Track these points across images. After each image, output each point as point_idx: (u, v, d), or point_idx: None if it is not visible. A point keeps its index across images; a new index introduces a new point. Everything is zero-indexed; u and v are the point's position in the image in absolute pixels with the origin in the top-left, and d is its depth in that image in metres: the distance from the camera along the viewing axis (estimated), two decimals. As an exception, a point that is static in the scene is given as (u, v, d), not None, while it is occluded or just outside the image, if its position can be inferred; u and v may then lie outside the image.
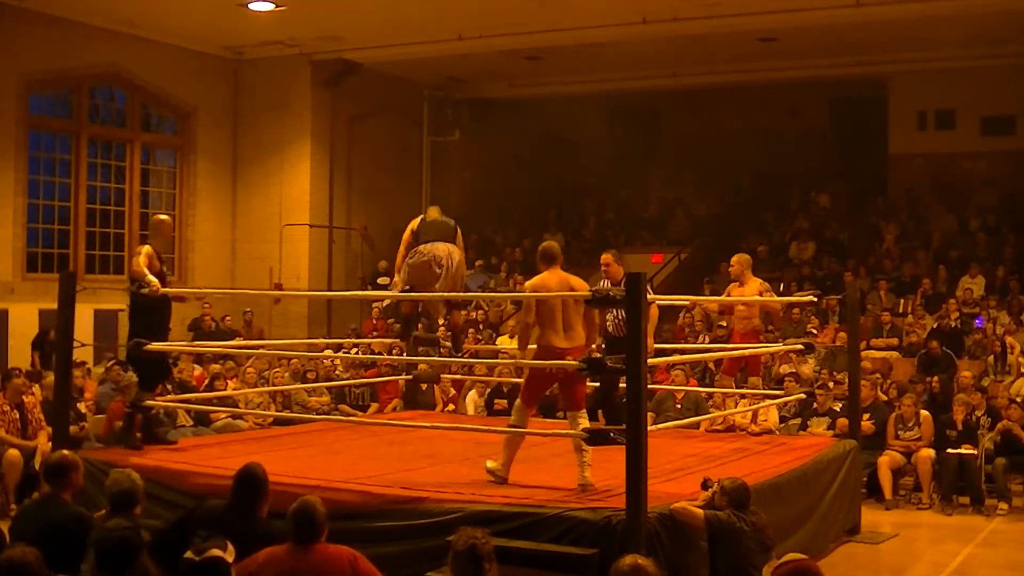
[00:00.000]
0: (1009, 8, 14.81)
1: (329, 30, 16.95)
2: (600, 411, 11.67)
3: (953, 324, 14.49)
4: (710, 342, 13.83)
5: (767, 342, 11.35)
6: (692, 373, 12.74)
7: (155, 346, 8.49)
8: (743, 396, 11.37)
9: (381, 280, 17.30)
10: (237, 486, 5.41)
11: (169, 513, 6.55)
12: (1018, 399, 11.40)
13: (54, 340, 10.67)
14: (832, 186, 20.50)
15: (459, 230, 8.93)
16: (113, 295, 15.73)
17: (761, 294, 9.84)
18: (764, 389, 11.66)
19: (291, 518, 4.81)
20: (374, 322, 16.66)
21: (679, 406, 11.48)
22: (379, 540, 6.22)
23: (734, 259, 10.09)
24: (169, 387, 10.06)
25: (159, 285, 8.41)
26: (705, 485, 6.36)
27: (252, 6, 15.57)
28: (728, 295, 10.13)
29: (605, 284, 8.86)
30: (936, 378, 12.30)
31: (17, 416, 9.85)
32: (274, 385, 12.66)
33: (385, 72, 19.21)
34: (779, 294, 15.76)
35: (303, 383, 12.96)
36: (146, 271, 8.44)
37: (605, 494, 6.47)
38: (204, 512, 5.45)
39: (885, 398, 11.60)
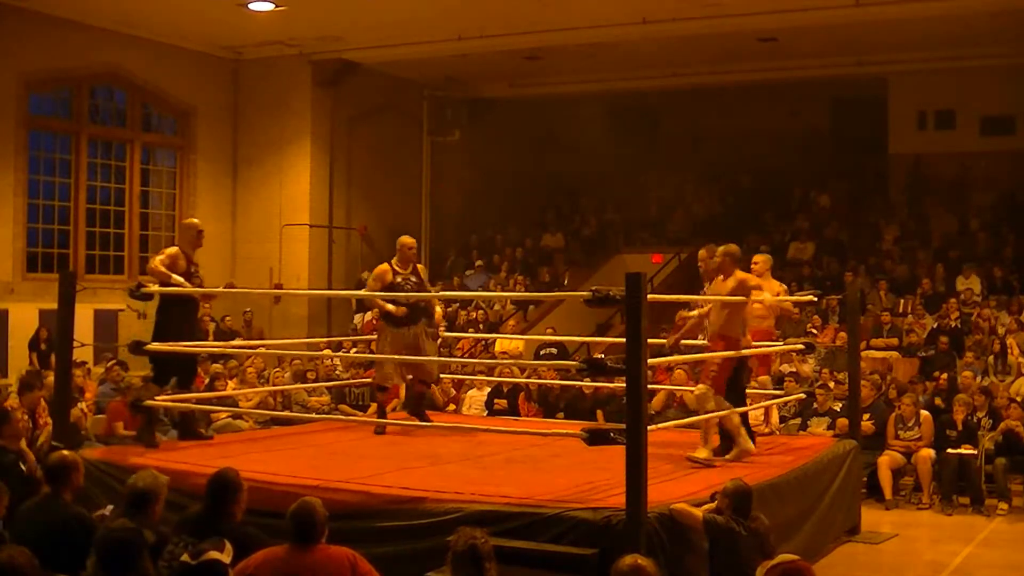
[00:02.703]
0: (1009, 8, 14.81)
1: (329, 30, 16.96)
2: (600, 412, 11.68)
3: (953, 324, 14.49)
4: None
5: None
6: (693, 375, 12.70)
7: (153, 346, 8.50)
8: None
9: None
10: (210, 491, 5.40)
11: (169, 513, 6.54)
12: (1018, 398, 11.41)
13: (54, 340, 10.69)
14: (832, 186, 20.48)
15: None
16: (113, 295, 15.77)
17: (778, 295, 9.61)
18: (764, 389, 11.67)
19: (290, 519, 4.82)
20: (374, 322, 16.64)
21: (676, 405, 11.49)
22: (379, 540, 6.22)
23: (759, 258, 9.63)
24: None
25: (185, 283, 8.57)
26: (712, 498, 6.34)
27: (252, 6, 15.58)
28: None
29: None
30: (945, 375, 12.30)
31: (29, 423, 9.88)
32: (274, 385, 12.67)
33: (385, 72, 19.21)
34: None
35: (303, 383, 12.96)
36: (164, 269, 8.58)
37: (605, 494, 6.47)
38: (180, 520, 5.45)
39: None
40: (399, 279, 9.43)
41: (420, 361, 9.44)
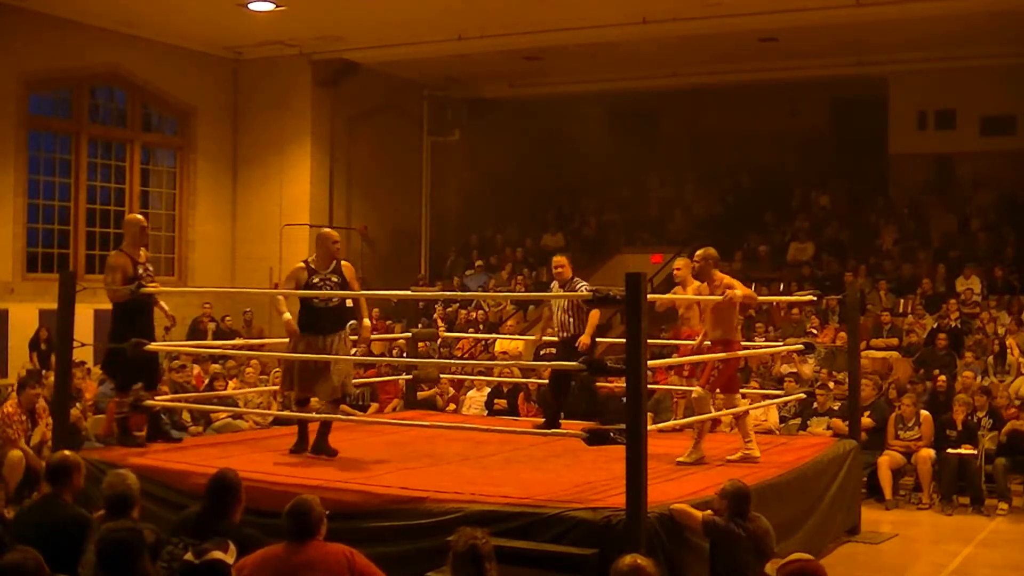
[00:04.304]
0: (1009, 8, 14.82)
1: (329, 30, 16.96)
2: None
3: (953, 324, 14.50)
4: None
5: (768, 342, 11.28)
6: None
7: (155, 346, 8.49)
8: (743, 396, 11.38)
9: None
10: (210, 492, 5.39)
11: (168, 513, 6.55)
12: (1016, 400, 11.42)
13: (54, 340, 10.68)
14: (832, 186, 20.50)
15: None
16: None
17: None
18: (764, 389, 11.69)
19: (287, 516, 4.84)
20: (374, 322, 16.65)
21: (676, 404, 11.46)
22: (379, 540, 6.22)
23: (680, 263, 9.62)
24: (164, 389, 10.06)
25: (125, 294, 8.29)
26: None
27: (252, 6, 15.58)
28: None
29: (555, 285, 9.28)
30: (942, 377, 12.30)
31: (28, 423, 9.90)
32: (274, 385, 12.65)
33: (385, 72, 19.22)
34: (779, 294, 15.81)
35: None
36: (116, 289, 8.35)
37: (605, 494, 6.47)
38: (179, 520, 5.45)
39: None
40: (316, 279, 8.10)
41: (324, 372, 8.04)
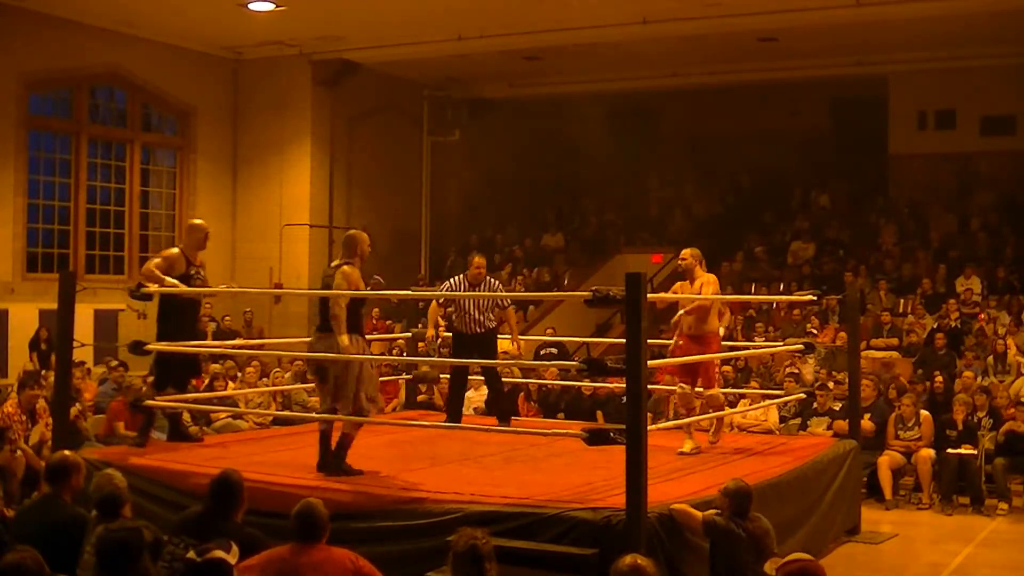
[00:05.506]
0: (1009, 8, 14.82)
1: (329, 30, 16.96)
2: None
3: (953, 324, 14.50)
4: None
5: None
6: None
7: (153, 346, 8.48)
8: (743, 396, 11.40)
9: None
10: (213, 492, 5.39)
11: (169, 513, 6.55)
12: (1014, 399, 11.42)
13: (54, 340, 10.68)
14: (832, 186, 20.50)
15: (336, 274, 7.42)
16: (113, 295, 15.75)
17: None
18: (763, 389, 11.68)
19: (294, 518, 4.87)
20: (374, 322, 16.66)
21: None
22: (379, 540, 6.22)
23: (686, 252, 9.16)
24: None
25: (176, 284, 8.37)
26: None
27: (252, 6, 15.58)
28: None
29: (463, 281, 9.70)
30: (940, 377, 12.29)
31: (28, 423, 9.91)
32: (274, 385, 12.66)
33: (385, 72, 19.22)
34: (779, 294, 15.81)
35: (303, 383, 12.94)
36: (159, 274, 8.39)
37: (605, 494, 6.47)
38: (180, 520, 5.46)
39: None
40: (366, 286, 7.77)
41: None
